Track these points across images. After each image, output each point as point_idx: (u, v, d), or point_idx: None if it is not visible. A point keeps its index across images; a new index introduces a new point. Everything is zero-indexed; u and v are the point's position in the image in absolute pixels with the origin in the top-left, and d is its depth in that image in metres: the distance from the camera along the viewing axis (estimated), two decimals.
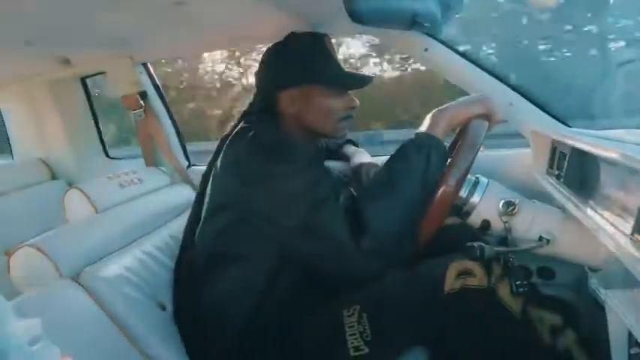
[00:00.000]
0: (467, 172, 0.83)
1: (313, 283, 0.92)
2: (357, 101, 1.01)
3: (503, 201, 0.87)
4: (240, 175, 0.88)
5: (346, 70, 1.01)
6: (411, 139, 0.87)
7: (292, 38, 1.01)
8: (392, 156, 0.87)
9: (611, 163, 0.68)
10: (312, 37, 1.01)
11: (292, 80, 0.98)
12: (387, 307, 0.86)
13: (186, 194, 1.39)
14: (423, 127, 0.88)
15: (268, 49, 1.04)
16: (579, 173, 0.83)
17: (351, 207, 0.81)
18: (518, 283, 0.81)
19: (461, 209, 0.90)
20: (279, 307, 0.90)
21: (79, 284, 0.90)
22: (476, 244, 0.81)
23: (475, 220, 0.90)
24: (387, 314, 0.86)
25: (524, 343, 0.81)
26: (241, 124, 0.99)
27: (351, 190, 0.93)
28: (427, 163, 0.83)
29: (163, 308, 1.00)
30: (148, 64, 1.58)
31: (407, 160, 0.84)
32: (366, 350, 0.84)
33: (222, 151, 0.94)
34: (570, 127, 1.09)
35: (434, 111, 0.89)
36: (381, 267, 0.86)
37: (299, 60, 0.99)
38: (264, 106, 1.02)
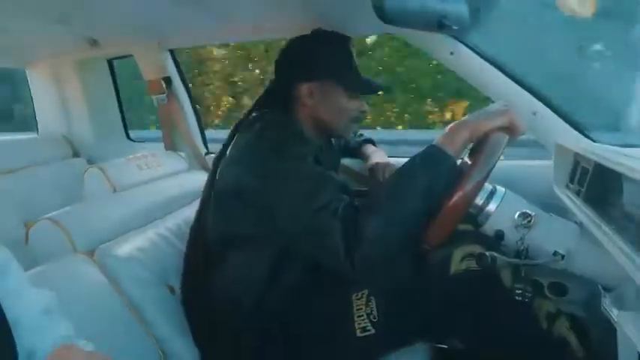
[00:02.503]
0: (482, 184, 0.81)
1: (321, 268, 0.92)
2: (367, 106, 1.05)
3: (519, 212, 0.85)
4: (245, 166, 0.90)
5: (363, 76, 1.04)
6: (422, 153, 0.83)
7: (322, 35, 1.03)
8: (400, 169, 0.84)
9: (634, 181, 0.66)
10: (341, 37, 1.03)
11: (318, 74, 1.00)
12: (396, 292, 0.88)
13: (202, 180, 1.40)
14: (439, 140, 0.84)
15: (296, 40, 1.04)
16: (600, 190, 0.81)
17: (350, 217, 0.80)
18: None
19: (475, 217, 0.89)
20: (288, 291, 0.92)
21: (93, 260, 0.92)
22: (488, 253, 0.80)
23: (489, 229, 0.89)
24: (395, 298, 0.88)
25: (523, 325, 0.83)
26: (254, 114, 1.00)
27: (354, 193, 0.93)
28: (434, 182, 0.80)
29: (172, 291, 1.02)
30: (174, 51, 1.60)
31: (413, 177, 0.81)
32: (373, 331, 0.86)
33: (234, 139, 0.96)
34: (595, 141, 1.06)
35: (453, 123, 0.85)
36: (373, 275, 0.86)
37: (329, 57, 1.01)
38: (280, 96, 1.03)
